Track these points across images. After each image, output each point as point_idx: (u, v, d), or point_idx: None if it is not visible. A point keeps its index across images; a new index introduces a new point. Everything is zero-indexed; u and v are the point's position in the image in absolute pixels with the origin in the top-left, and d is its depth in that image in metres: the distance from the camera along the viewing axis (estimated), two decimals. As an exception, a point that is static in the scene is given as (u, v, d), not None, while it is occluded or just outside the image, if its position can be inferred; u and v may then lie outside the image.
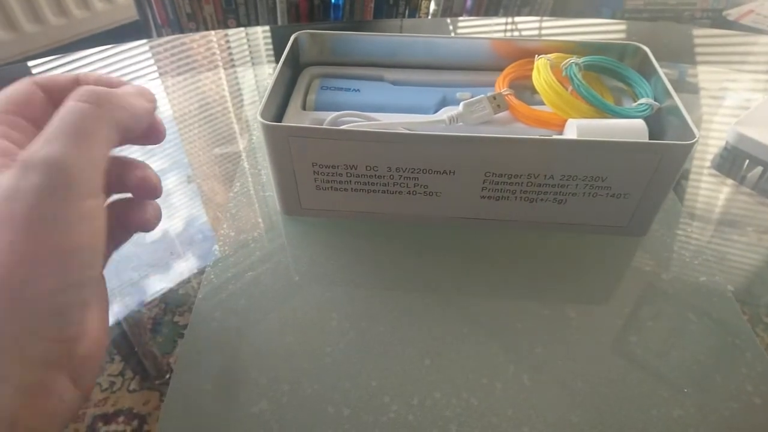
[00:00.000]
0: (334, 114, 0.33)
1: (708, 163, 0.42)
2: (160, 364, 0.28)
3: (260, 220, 0.35)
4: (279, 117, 0.33)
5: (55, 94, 0.22)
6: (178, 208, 0.39)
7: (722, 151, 0.43)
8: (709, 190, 0.40)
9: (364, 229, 0.34)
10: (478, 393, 0.26)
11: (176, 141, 0.46)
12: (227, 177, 0.41)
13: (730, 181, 0.41)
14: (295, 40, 0.36)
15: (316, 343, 0.28)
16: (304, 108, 0.35)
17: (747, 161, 0.41)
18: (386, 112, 0.34)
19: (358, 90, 0.36)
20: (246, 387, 0.26)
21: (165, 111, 0.50)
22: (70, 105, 0.18)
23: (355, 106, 0.34)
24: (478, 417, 0.25)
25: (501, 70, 0.38)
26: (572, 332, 0.28)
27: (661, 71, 0.33)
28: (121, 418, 0.25)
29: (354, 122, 0.32)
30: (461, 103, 0.32)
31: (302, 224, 0.35)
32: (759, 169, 0.41)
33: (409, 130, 0.32)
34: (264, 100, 0.30)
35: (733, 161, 0.42)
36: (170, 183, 0.41)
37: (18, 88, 0.21)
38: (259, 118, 0.28)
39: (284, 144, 0.29)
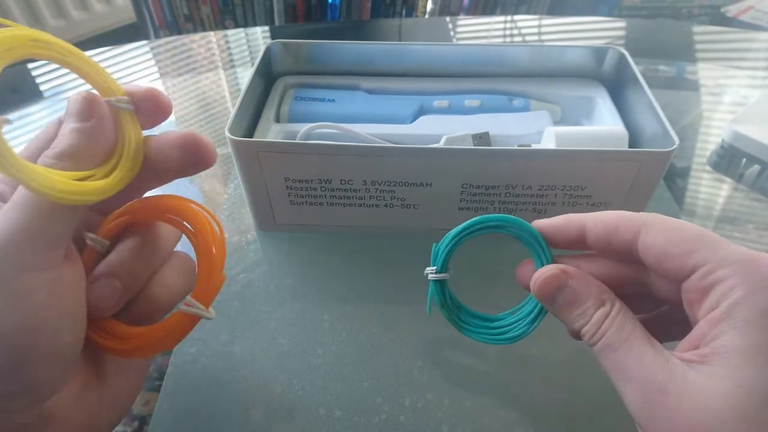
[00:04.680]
0: (308, 125, 0.32)
1: (704, 161, 0.42)
2: (161, 365, 0.28)
3: (252, 222, 0.35)
4: (251, 129, 0.33)
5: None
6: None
7: (718, 149, 0.43)
8: (706, 189, 0.40)
9: (343, 241, 0.33)
10: (470, 394, 0.26)
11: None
12: (227, 177, 0.41)
13: (726, 179, 0.41)
14: (268, 49, 0.36)
15: (308, 345, 0.28)
16: (277, 119, 0.34)
17: (744, 159, 0.41)
18: (362, 122, 0.33)
19: (333, 100, 0.35)
20: (238, 389, 0.26)
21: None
22: None
23: (330, 116, 0.33)
24: (471, 418, 0.25)
25: (478, 76, 0.37)
26: (565, 334, 0.29)
27: (639, 75, 0.32)
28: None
29: (328, 133, 0.32)
30: (443, 138, 0.31)
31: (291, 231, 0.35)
32: (756, 167, 0.41)
33: (385, 141, 0.32)
34: (233, 113, 0.29)
35: (730, 159, 0.42)
36: (170, 183, 0.41)
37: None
38: (227, 134, 0.27)
39: (254, 159, 0.29)
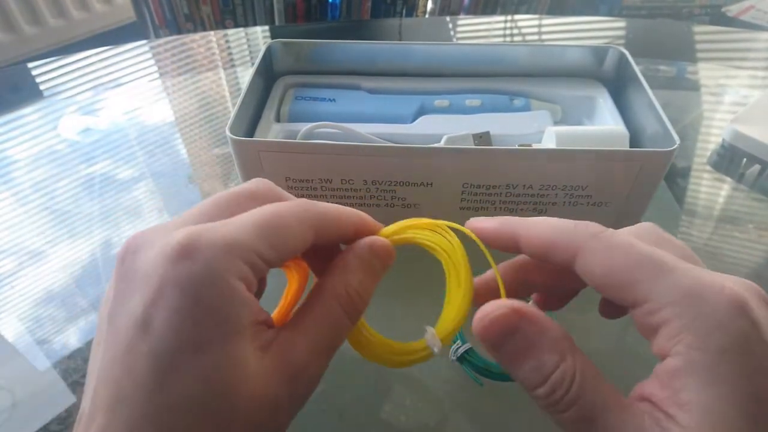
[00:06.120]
0: (309, 125, 0.32)
1: (705, 160, 0.42)
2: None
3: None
4: (251, 129, 0.32)
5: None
6: (179, 208, 0.39)
7: (719, 148, 0.43)
8: (707, 189, 0.40)
9: None
10: (471, 394, 0.26)
11: (176, 141, 0.46)
12: (227, 177, 0.41)
13: (727, 179, 0.41)
14: (268, 49, 0.36)
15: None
16: (278, 119, 0.34)
17: (744, 159, 0.41)
18: (363, 121, 0.33)
19: (334, 100, 0.35)
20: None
21: (165, 112, 0.50)
22: (333, 315, 0.19)
23: (331, 116, 0.33)
24: (471, 419, 0.25)
25: (479, 76, 0.37)
26: (572, 333, 0.29)
27: (640, 75, 0.32)
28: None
29: (329, 133, 0.32)
30: (444, 138, 0.31)
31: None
32: (756, 167, 0.41)
33: (385, 141, 0.32)
34: (234, 112, 0.29)
35: (730, 159, 0.42)
36: (170, 183, 0.41)
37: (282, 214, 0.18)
38: (228, 133, 0.27)
39: (255, 159, 0.28)
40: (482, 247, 0.20)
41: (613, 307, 0.22)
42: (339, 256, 0.20)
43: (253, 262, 0.17)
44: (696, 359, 0.15)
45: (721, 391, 0.14)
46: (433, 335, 0.20)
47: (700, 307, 0.15)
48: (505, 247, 0.20)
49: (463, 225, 0.21)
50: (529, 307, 0.17)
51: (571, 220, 0.18)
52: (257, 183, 0.20)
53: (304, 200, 0.19)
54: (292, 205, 0.19)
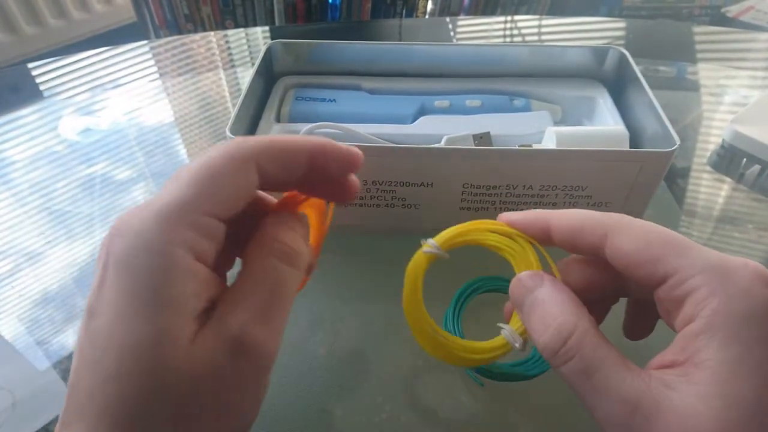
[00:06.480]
0: (309, 126, 0.32)
1: (705, 161, 0.42)
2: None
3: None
4: (252, 129, 0.33)
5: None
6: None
7: (719, 149, 0.43)
8: (707, 189, 0.40)
9: (344, 241, 0.33)
10: (471, 394, 0.26)
11: (176, 142, 0.46)
12: (226, 178, 0.41)
13: (726, 179, 0.41)
14: (268, 49, 0.36)
15: (309, 344, 0.28)
16: (278, 120, 0.34)
17: (744, 159, 0.41)
18: (363, 122, 0.33)
19: (334, 100, 0.35)
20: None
21: (165, 112, 0.50)
22: (271, 269, 0.17)
23: (331, 116, 0.33)
24: (471, 419, 0.25)
25: (479, 76, 0.37)
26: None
27: (640, 75, 0.32)
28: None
29: (329, 133, 0.32)
30: (444, 138, 0.31)
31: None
32: (756, 167, 0.41)
33: (385, 141, 0.32)
34: (234, 113, 0.29)
35: (730, 159, 0.42)
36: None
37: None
38: (228, 134, 0.28)
39: None
40: (544, 252, 0.20)
41: (640, 323, 0.22)
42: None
43: (199, 224, 0.16)
44: (720, 321, 0.15)
45: (740, 351, 0.15)
46: (512, 332, 0.20)
47: (727, 276, 0.16)
48: (537, 236, 0.21)
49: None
50: (549, 274, 0.20)
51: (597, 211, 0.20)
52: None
53: (239, 138, 0.18)
54: (221, 147, 0.17)
